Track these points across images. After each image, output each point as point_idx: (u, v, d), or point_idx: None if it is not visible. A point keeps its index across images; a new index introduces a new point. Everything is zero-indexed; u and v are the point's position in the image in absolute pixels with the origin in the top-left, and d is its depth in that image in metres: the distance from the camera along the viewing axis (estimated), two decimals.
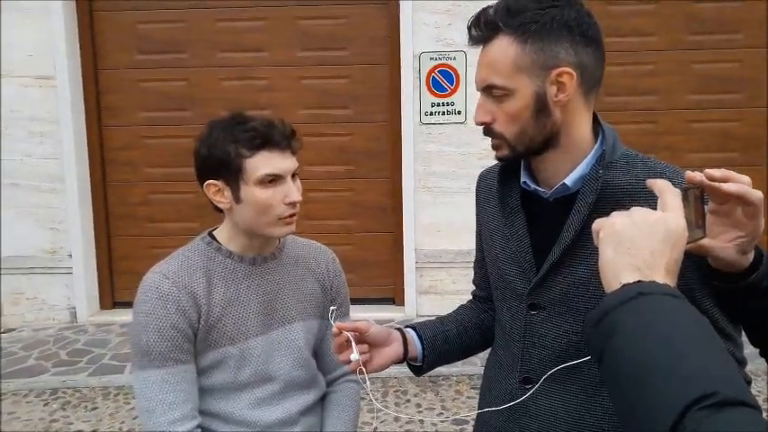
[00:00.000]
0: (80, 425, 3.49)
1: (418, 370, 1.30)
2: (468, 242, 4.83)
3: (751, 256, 0.91)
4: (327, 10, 4.73)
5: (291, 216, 1.30)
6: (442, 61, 4.60)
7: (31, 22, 4.62)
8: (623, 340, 0.64)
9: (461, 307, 1.42)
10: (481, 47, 1.07)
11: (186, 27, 4.78)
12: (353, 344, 1.11)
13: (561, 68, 1.00)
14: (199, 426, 1.28)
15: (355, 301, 5.36)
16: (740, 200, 0.86)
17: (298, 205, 1.30)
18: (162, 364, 1.24)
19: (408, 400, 3.70)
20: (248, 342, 1.32)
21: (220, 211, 1.34)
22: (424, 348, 1.26)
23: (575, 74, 1.01)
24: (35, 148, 4.76)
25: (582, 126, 1.07)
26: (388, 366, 1.19)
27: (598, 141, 1.09)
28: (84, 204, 4.87)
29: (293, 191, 1.28)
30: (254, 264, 1.35)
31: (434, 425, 3.42)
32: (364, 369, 1.12)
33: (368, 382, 1.12)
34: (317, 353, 1.50)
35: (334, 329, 1.12)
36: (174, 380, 1.25)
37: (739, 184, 0.85)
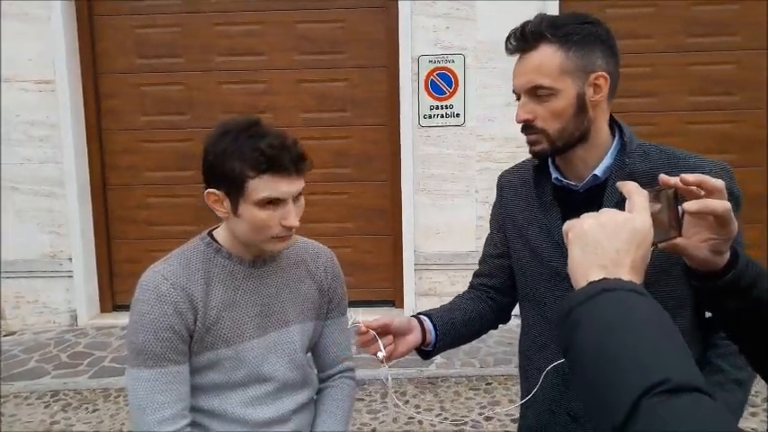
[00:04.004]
0: (81, 426, 3.51)
1: (426, 354, 1.39)
2: (467, 244, 4.85)
3: (726, 256, 0.94)
4: (325, 14, 4.75)
5: (285, 236, 1.30)
6: (441, 64, 4.62)
7: (31, 28, 4.64)
8: (585, 334, 0.67)
9: (461, 297, 1.50)
10: (520, 55, 1.22)
11: (184, 31, 4.80)
12: (379, 341, 1.21)
13: (598, 73, 1.18)
14: (189, 425, 1.29)
15: (355, 304, 5.33)
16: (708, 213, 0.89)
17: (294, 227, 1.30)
18: (155, 364, 1.25)
19: (407, 401, 3.72)
20: (244, 344, 1.33)
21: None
22: (437, 334, 1.37)
23: (608, 78, 1.19)
24: (35, 153, 4.78)
25: (605, 123, 1.24)
26: (409, 353, 1.32)
27: (617, 135, 1.26)
28: (84, 208, 4.89)
29: (291, 215, 1.27)
30: (253, 266, 1.36)
31: (433, 425, 3.43)
32: (385, 365, 1.23)
33: (390, 380, 1.24)
34: (315, 351, 1.51)
35: (363, 328, 1.19)
36: (165, 380, 1.26)
37: (701, 202, 0.88)
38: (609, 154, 1.24)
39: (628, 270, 0.71)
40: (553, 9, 4.47)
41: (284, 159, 1.23)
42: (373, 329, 1.21)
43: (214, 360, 1.31)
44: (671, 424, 0.56)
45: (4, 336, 4.83)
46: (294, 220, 1.27)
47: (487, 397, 3.73)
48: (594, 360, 0.65)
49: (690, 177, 0.89)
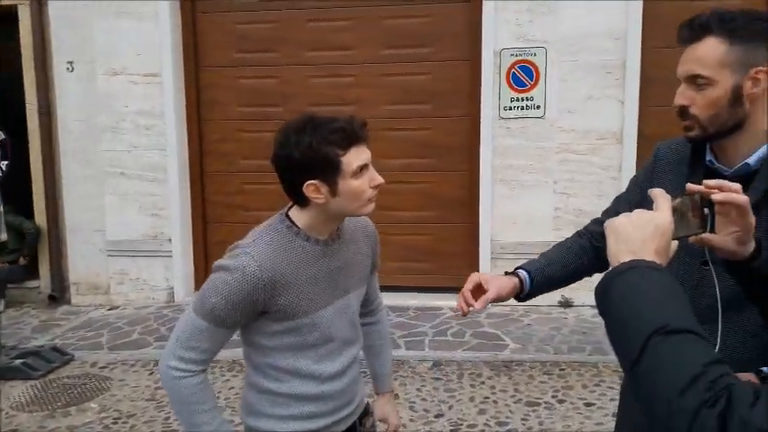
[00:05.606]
0: None
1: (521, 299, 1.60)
2: (544, 234, 4.93)
3: (752, 246, 1.13)
4: (412, 9, 4.95)
5: (374, 197, 1.50)
6: (523, 57, 4.73)
7: (140, 25, 5.06)
8: (614, 299, 0.90)
9: (567, 250, 1.64)
10: (687, 45, 1.30)
11: (279, 27, 5.10)
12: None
13: (759, 68, 1.24)
14: (197, 372, 1.48)
15: (431, 290, 5.53)
16: (730, 204, 1.09)
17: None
18: (210, 321, 1.44)
19: (483, 383, 3.85)
20: (318, 313, 1.53)
21: (304, 204, 1.49)
22: (532, 283, 1.57)
23: None
24: (141, 140, 5.20)
25: (764, 116, 1.29)
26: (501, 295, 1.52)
27: None
28: (184, 193, 5.28)
29: (377, 175, 1.48)
30: (326, 245, 1.54)
31: (508, 406, 3.56)
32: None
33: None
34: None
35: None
36: (209, 335, 1.45)
37: (727, 192, 1.08)
38: (765, 146, 1.28)
39: (652, 254, 0.94)
40: (637, 0, 4.52)
41: (358, 131, 1.44)
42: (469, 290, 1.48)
43: (293, 327, 1.52)
44: (665, 354, 0.80)
45: (108, 309, 5.28)
46: (380, 178, 1.50)
47: (561, 381, 3.82)
48: (620, 315, 0.89)
49: (712, 182, 1.10)
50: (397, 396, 3.35)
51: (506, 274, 1.58)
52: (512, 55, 4.73)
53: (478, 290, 1.50)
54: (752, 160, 1.29)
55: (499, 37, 4.74)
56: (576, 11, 4.60)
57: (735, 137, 1.30)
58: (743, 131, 1.29)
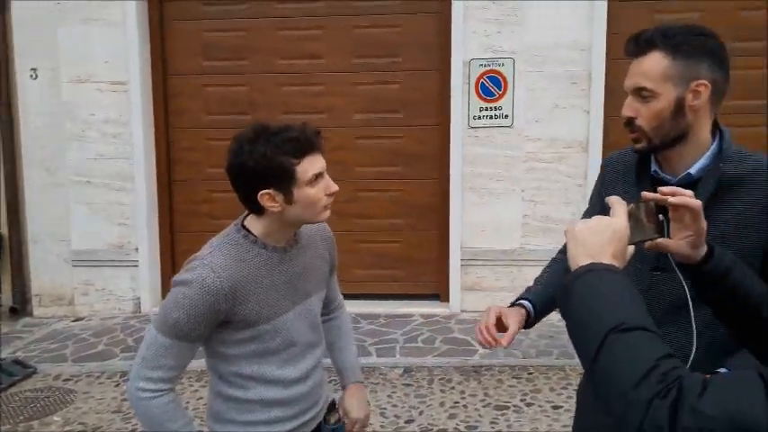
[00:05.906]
0: None
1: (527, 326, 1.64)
2: (512, 241, 4.99)
3: (704, 249, 1.20)
4: (382, 19, 4.99)
5: (330, 204, 1.52)
6: (491, 67, 4.81)
7: (107, 32, 4.99)
8: (573, 300, 0.95)
9: (558, 267, 1.68)
10: (634, 58, 1.37)
11: (249, 35, 5.09)
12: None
13: (700, 81, 1.30)
14: (167, 391, 1.48)
15: (402, 297, 5.58)
16: (685, 208, 1.16)
17: None
18: (176, 337, 1.44)
19: (453, 388, 3.89)
20: (279, 318, 1.54)
21: (260, 213, 1.50)
22: (535, 312, 1.63)
23: (710, 87, 1.31)
24: (107, 149, 5.11)
25: (706, 127, 1.37)
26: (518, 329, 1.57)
27: (716, 140, 1.38)
28: (151, 201, 5.20)
29: (332, 183, 1.50)
30: (284, 252, 1.56)
31: (477, 410, 3.60)
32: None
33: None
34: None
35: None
36: (175, 351, 1.45)
37: (681, 196, 1.15)
38: (706, 156, 1.36)
39: (609, 257, 0.99)
40: (601, 12, 4.63)
41: (312, 140, 1.46)
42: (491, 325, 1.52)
43: (255, 334, 1.53)
44: (620, 351, 0.86)
45: (73, 321, 5.16)
46: (335, 186, 1.52)
47: (529, 385, 3.89)
48: (580, 317, 0.94)
49: (666, 189, 1.17)
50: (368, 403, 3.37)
51: (511, 305, 1.63)
52: (480, 65, 4.80)
53: (497, 323, 1.55)
54: (694, 170, 1.36)
55: (468, 47, 4.81)
56: (543, 23, 4.70)
57: (678, 147, 1.36)
58: (686, 142, 1.35)
